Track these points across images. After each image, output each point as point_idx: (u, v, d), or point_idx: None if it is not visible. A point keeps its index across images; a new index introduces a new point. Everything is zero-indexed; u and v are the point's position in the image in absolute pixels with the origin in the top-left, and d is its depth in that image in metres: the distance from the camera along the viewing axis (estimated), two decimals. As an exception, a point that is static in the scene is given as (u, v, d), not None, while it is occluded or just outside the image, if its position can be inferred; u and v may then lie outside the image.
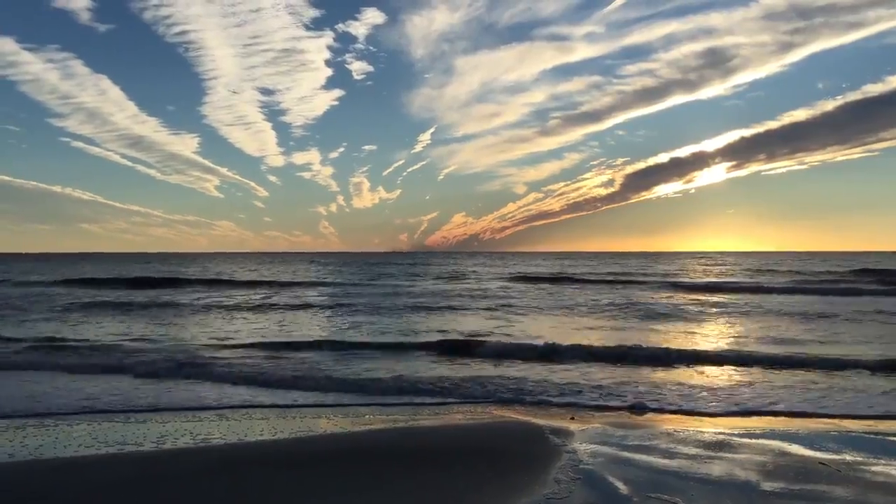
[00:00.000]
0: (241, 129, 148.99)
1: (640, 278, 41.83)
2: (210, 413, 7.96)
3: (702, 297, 27.28)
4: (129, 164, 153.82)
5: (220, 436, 6.78)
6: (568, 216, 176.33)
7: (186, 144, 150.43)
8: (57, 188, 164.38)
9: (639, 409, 8.08)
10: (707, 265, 66.16)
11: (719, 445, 6.24)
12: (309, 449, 6.36)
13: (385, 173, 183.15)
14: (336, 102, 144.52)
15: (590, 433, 6.75)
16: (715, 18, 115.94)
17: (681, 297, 27.80)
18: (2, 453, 6.13)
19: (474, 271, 56.07)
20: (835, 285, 31.26)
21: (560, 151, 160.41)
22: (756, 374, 10.48)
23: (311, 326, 18.21)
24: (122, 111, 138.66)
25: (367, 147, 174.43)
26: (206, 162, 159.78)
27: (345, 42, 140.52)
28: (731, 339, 15.28)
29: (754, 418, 7.62)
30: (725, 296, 28.07)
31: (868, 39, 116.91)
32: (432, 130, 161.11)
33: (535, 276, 45.93)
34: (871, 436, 6.70)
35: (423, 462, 5.79)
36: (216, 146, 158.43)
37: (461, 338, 14.60)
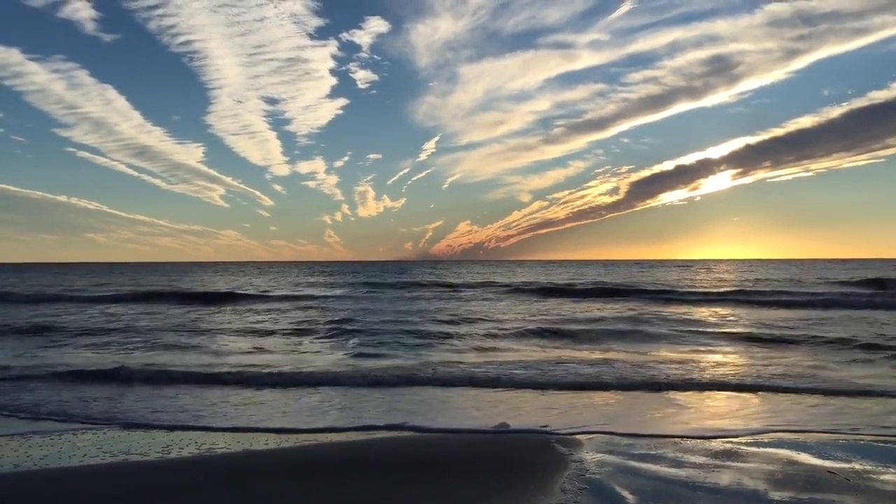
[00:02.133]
0: (245, 139, 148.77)
1: (624, 287, 38.51)
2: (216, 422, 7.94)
3: (652, 309, 24.88)
4: (135, 173, 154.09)
5: (224, 445, 6.76)
6: (573, 224, 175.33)
7: (192, 154, 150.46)
8: (63, 198, 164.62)
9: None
10: (702, 274, 63.55)
11: (727, 455, 6.19)
12: (314, 458, 6.34)
13: (390, 182, 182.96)
14: (341, 111, 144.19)
15: (597, 442, 6.70)
16: (720, 25, 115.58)
17: (610, 308, 25.82)
18: (7, 463, 6.12)
19: (452, 281, 49.53)
20: (838, 297, 28.34)
21: (565, 159, 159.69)
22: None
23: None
24: (127, 121, 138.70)
25: (371, 156, 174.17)
26: (212, 171, 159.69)
27: (349, 51, 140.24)
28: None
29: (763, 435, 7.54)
30: (690, 308, 25.80)
31: (873, 46, 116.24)
32: (437, 139, 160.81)
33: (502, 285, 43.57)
34: (881, 444, 6.63)
35: (428, 472, 5.76)
36: (221, 155, 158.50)
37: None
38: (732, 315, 22.66)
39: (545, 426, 7.46)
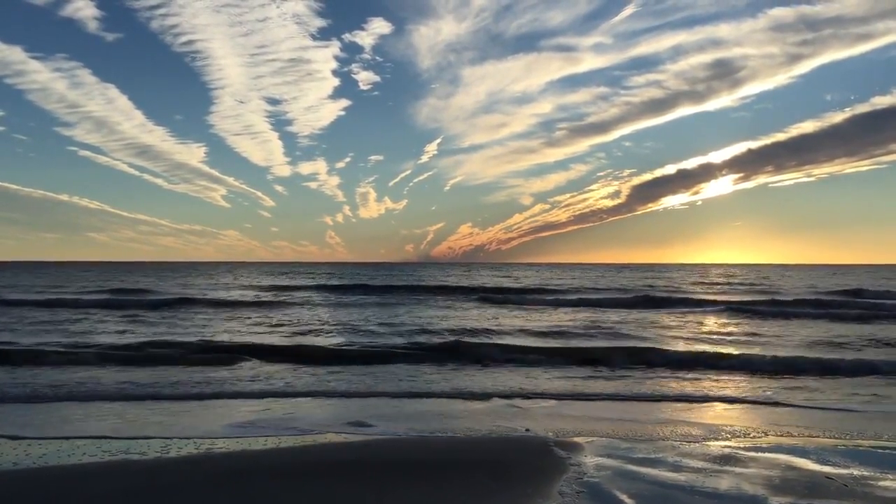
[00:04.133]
0: (247, 139, 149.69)
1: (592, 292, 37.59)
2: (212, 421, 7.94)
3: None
4: (137, 173, 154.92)
5: (223, 445, 6.77)
6: (574, 227, 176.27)
7: (193, 154, 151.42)
8: (64, 197, 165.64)
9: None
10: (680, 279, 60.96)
11: (726, 459, 6.19)
12: (313, 459, 6.34)
13: (391, 183, 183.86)
14: (343, 112, 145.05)
15: (596, 445, 6.70)
16: (723, 30, 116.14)
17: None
18: (6, 462, 6.13)
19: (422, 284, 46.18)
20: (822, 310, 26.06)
21: (567, 162, 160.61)
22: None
23: None
24: (129, 120, 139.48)
25: (373, 157, 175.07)
26: (213, 171, 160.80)
27: (351, 52, 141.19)
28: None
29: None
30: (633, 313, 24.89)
31: (877, 51, 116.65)
32: (439, 141, 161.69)
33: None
34: (879, 450, 6.63)
35: (426, 474, 5.76)
36: (223, 155, 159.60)
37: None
38: (669, 322, 21.95)
39: (527, 430, 7.49)
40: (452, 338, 16.67)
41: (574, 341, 16.75)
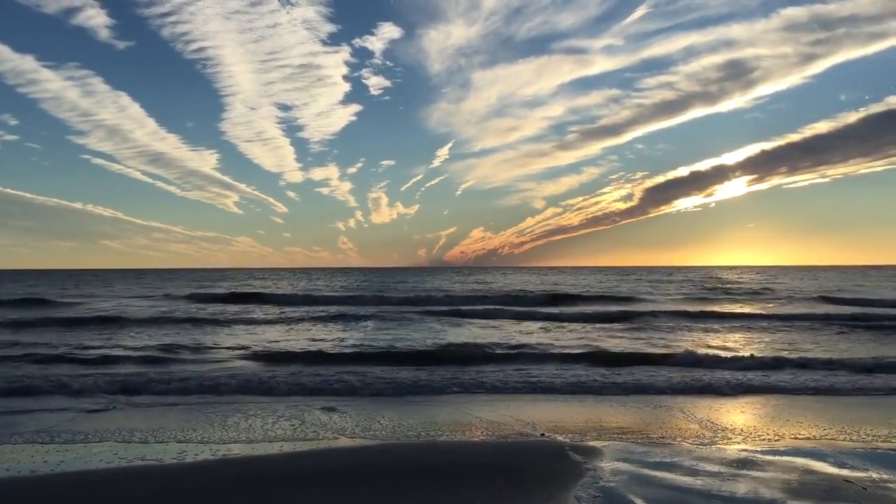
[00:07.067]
0: (259, 145, 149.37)
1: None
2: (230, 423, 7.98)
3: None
4: (150, 180, 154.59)
5: (239, 451, 6.80)
6: (587, 230, 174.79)
7: (206, 160, 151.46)
8: (78, 205, 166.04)
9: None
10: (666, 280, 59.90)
11: (743, 463, 6.15)
12: (328, 464, 6.36)
13: (403, 188, 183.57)
14: (354, 118, 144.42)
15: (612, 450, 6.68)
16: (735, 30, 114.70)
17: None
18: (24, 468, 6.19)
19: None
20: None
21: (578, 166, 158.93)
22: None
23: None
24: (141, 128, 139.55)
25: (385, 162, 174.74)
26: (226, 178, 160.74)
27: (362, 57, 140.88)
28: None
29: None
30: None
31: (892, 50, 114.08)
32: (450, 145, 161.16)
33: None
34: (899, 454, 6.56)
35: (442, 479, 5.77)
36: (235, 162, 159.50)
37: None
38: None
39: (543, 434, 7.48)
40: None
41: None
